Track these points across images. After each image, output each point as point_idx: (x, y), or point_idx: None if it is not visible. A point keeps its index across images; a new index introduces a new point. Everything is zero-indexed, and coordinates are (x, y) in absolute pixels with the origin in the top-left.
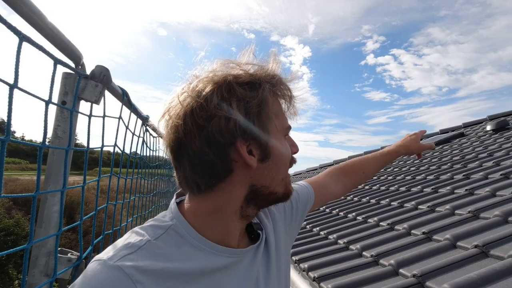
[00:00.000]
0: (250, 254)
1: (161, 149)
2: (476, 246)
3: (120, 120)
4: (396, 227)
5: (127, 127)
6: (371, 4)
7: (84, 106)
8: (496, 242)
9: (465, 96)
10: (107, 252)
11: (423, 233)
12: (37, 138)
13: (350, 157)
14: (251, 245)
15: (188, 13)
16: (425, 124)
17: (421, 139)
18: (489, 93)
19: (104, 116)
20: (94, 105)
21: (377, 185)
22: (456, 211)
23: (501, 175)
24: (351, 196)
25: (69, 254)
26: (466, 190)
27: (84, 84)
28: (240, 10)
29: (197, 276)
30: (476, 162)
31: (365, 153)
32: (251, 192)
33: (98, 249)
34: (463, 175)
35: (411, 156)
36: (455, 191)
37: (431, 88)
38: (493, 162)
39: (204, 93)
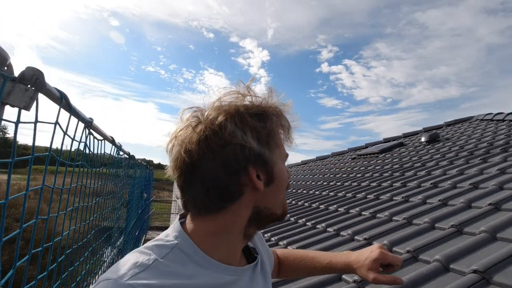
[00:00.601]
0: (249, 273)
1: (107, 153)
2: (408, 251)
3: (57, 125)
4: (342, 233)
5: (65, 133)
6: (327, 16)
7: (10, 111)
8: (425, 247)
9: (406, 107)
10: (115, 272)
11: (365, 239)
12: None
13: (303, 162)
14: (248, 264)
15: (143, 5)
16: (371, 131)
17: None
18: (425, 106)
19: (36, 122)
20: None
21: (326, 191)
22: (394, 218)
23: (431, 184)
24: (302, 201)
25: None
26: (402, 197)
27: (10, 88)
28: (199, 8)
29: None
30: (412, 171)
31: (317, 158)
32: (254, 213)
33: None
34: (401, 183)
35: (358, 163)
36: (394, 198)
37: (378, 98)
38: (425, 172)
39: (217, 121)
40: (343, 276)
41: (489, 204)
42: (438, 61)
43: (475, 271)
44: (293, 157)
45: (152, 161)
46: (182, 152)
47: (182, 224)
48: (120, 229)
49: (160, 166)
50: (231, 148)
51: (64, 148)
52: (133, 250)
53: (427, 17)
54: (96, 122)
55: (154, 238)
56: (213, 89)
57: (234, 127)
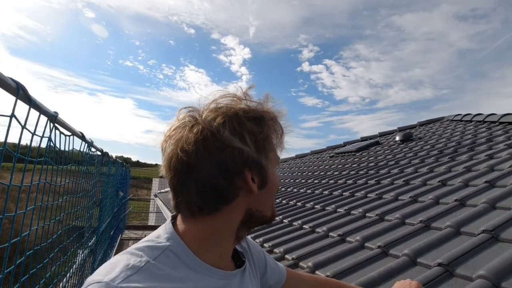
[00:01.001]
0: (238, 278)
1: (76, 149)
2: (379, 247)
3: (14, 118)
4: (317, 229)
5: (23, 126)
6: (308, 16)
7: None
8: (395, 242)
9: (383, 107)
10: (106, 274)
11: (339, 235)
12: None
13: (282, 160)
14: (237, 269)
15: None
16: (350, 130)
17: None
18: (400, 107)
19: None
20: None
21: (304, 189)
22: (367, 214)
23: (403, 181)
24: (280, 199)
25: None
26: (376, 194)
27: None
28: (180, 2)
29: None
30: (386, 169)
31: (296, 156)
32: (246, 215)
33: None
34: (375, 181)
35: (335, 161)
36: (368, 195)
37: (356, 98)
38: (398, 169)
39: (215, 123)
40: (317, 271)
41: (455, 200)
42: (414, 63)
43: (439, 264)
44: None
45: (130, 158)
46: (178, 152)
47: (173, 225)
48: (92, 229)
49: (139, 164)
50: (229, 151)
51: (33, 144)
52: (123, 251)
53: (403, 20)
54: (69, 117)
55: (131, 237)
56: (194, 86)
57: (232, 130)
